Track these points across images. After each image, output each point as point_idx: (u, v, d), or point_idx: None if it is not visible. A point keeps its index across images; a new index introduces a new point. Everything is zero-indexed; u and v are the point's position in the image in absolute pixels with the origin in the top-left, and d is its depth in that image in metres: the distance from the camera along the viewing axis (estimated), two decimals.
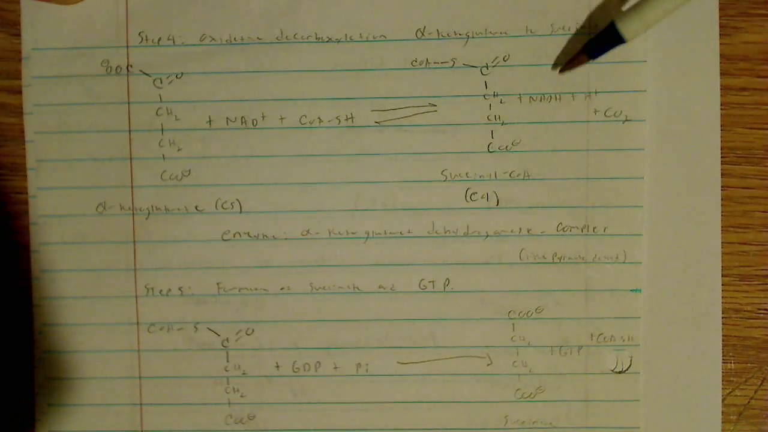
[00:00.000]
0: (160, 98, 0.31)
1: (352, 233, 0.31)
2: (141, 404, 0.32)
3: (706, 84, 0.30)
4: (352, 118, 0.31)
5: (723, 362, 0.31)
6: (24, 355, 0.32)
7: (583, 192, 0.31)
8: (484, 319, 0.31)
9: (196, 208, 0.32)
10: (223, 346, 0.32)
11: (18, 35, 0.31)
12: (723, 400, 0.31)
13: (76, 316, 0.32)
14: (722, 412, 0.31)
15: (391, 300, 0.31)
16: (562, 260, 0.31)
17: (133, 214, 0.32)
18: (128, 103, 0.31)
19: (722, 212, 0.31)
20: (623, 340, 0.31)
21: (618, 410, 0.31)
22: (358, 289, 0.31)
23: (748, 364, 0.32)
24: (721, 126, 0.31)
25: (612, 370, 0.31)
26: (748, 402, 0.32)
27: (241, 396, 0.32)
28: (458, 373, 0.32)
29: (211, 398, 0.32)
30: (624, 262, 0.31)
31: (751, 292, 0.31)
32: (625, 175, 0.31)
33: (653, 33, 0.30)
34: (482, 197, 0.31)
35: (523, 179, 0.31)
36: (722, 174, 0.31)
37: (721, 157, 0.31)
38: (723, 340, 0.31)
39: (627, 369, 0.31)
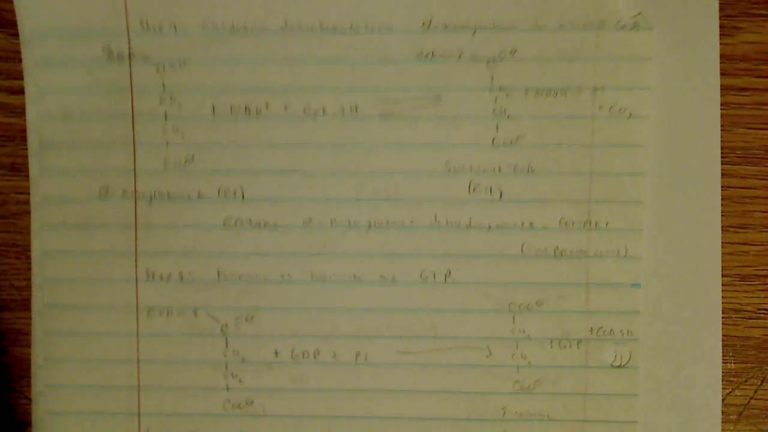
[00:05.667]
0: (164, 85, 0.31)
1: (354, 223, 0.31)
2: (139, 387, 0.32)
3: (706, 84, 0.30)
4: (356, 108, 0.31)
5: (723, 362, 0.31)
6: (22, 335, 0.32)
7: (587, 187, 0.31)
8: (484, 311, 0.31)
9: (198, 194, 0.31)
10: (223, 332, 0.32)
11: (16, 35, 0.31)
12: (723, 400, 0.31)
13: (76, 298, 0.32)
14: (722, 412, 0.31)
15: (391, 290, 0.31)
16: (563, 254, 0.31)
17: (136, 199, 0.31)
18: (131, 89, 0.31)
19: (722, 212, 0.31)
20: (623, 335, 0.31)
21: (616, 404, 0.31)
22: (358, 278, 0.31)
23: (748, 364, 0.32)
24: (721, 126, 0.30)
25: (611, 364, 0.31)
26: (748, 402, 0.32)
27: (240, 382, 0.32)
28: (457, 364, 0.31)
29: (209, 383, 0.32)
30: (625, 257, 0.31)
31: (751, 292, 0.31)
32: (627, 171, 0.31)
33: (656, 31, 0.30)
34: (485, 190, 0.31)
35: (527, 173, 0.31)
36: (722, 174, 0.31)
37: (721, 157, 0.31)
38: (723, 340, 0.31)
39: (626, 363, 0.31)
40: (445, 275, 0.31)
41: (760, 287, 0.31)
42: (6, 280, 0.32)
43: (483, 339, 0.31)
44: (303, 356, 0.32)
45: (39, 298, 0.32)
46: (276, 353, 0.32)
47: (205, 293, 0.32)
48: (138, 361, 0.32)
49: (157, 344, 0.32)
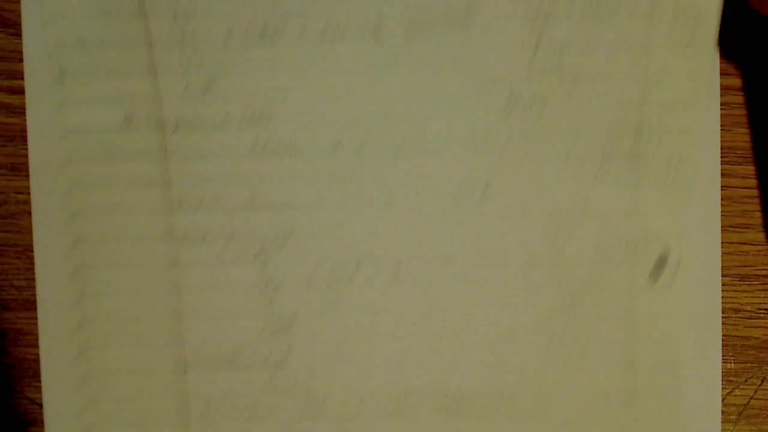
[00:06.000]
0: (175, 8, 0.30)
1: (385, 145, 0.30)
2: (179, 314, 0.30)
3: (706, 84, 0.30)
4: (379, 28, 0.30)
5: (723, 362, 0.31)
6: (23, 335, 0.31)
7: (639, 90, 0.29)
8: (523, 227, 0.30)
9: (224, 120, 0.30)
10: (258, 257, 0.30)
11: (16, 35, 0.31)
12: (723, 400, 0.31)
13: (108, 229, 0.30)
14: (722, 412, 0.31)
15: (426, 209, 0.30)
16: (609, 169, 0.30)
17: (162, 126, 0.30)
18: (145, 12, 0.30)
19: (722, 212, 0.31)
20: (672, 245, 0.30)
21: (660, 323, 0.30)
22: (391, 200, 0.30)
23: (748, 364, 0.31)
24: (721, 126, 0.31)
25: (655, 283, 0.30)
26: (748, 402, 0.31)
27: (277, 306, 0.30)
28: (496, 283, 0.30)
29: (247, 308, 0.30)
30: (678, 162, 0.30)
31: (751, 292, 0.31)
32: (685, 73, 0.30)
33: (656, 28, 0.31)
34: (523, 107, 0.30)
35: (571, 89, 0.30)
36: (722, 174, 0.31)
37: (721, 157, 0.31)
38: (723, 340, 0.31)
39: (673, 281, 0.30)
40: (483, 192, 0.30)
41: (760, 287, 0.31)
42: (6, 280, 0.31)
43: (522, 256, 0.30)
44: (339, 279, 0.30)
45: (69, 232, 0.30)
46: (312, 276, 0.30)
47: (238, 219, 0.30)
48: (176, 289, 0.30)
49: (192, 272, 0.30)
